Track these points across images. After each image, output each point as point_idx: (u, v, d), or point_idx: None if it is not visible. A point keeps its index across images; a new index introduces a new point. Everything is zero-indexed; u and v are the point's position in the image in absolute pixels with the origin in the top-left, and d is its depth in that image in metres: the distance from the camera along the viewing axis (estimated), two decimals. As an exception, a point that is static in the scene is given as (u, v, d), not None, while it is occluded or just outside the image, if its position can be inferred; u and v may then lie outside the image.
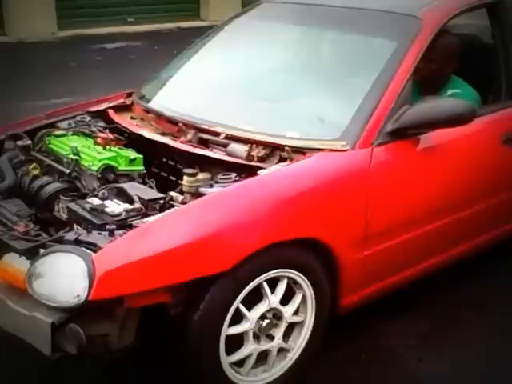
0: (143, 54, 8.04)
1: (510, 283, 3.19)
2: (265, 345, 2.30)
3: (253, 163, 2.42)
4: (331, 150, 2.41)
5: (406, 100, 2.52)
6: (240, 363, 2.29)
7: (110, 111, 3.02)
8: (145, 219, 2.14)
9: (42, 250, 2.08)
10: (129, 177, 2.50)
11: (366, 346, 2.68)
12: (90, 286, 1.90)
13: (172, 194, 2.33)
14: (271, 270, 2.21)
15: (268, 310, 2.27)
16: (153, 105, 2.97)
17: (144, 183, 2.50)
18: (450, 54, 2.92)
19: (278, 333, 2.33)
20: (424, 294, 2.96)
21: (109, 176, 2.47)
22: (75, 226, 2.21)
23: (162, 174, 2.68)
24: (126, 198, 2.28)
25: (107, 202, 2.24)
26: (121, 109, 3.08)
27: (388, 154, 2.47)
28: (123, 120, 2.92)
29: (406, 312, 2.88)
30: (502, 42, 2.99)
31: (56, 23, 9.02)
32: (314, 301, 2.37)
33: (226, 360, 2.21)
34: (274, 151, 2.47)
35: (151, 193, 2.33)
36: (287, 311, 2.32)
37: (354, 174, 2.39)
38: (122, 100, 3.16)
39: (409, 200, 2.54)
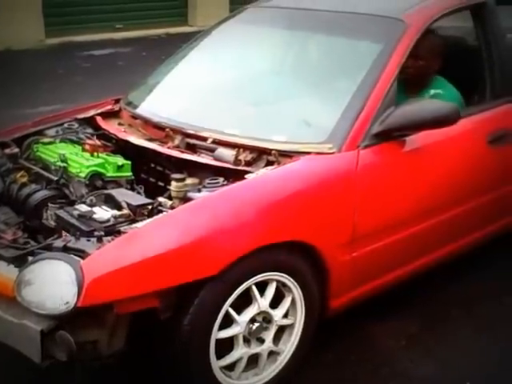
0: (131, 61, 8.04)
1: (497, 280, 3.22)
2: (255, 348, 2.31)
3: (240, 167, 2.44)
4: (318, 153, 2.42)
5: (391, 102, 2.54)
6: (231, 367, 2.29)
7: (98, 118, 3.03)
8: (133, 225, 2.15)
9: (30, 258, 2.08)
10: (117, 183, 2.51)
11: (355, 346, 2.70)
12: (79, 293, 1.90)
13: (160, 199, 2.34)
14: (260, 273, 2.22)
15: (258, 314, 2.28)
16: (140, 111, 2.98)
17: (132, 189, 2.51)
18: (433, 54, 2.95)
19: (268, 336, 2.33)
20: (412, 294, 2.97)
21: (97, 183, 2.47)
22: (63, 233, 2.20)
23: (151, 179, 2.68)
24: (114, 204, 2.28)
25: (95, 209, 2.24)
26: (108, 115, 3.09)
27: (374, 156, 2.49)
28: (111, 126, 2.93)
29: (395, 312, 2.90)
30: (485, 43, 3.01)
31: (44, 31, 8.99)
32: (303, 303, 2.38)
33: (216, 364, 2.22)
34: (261, 155, 2.48)
35: (139, 198, 2.34)
36: (277, 314, 2.33)
37: (341, 176, 2.41)
38: (109, 106, 3.16)
39: (396, 201, 2.55)
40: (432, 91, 2.98)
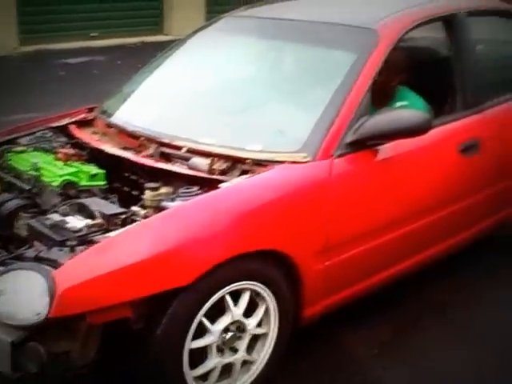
0: (106, 69, 8.01)
1: (469, 287, 3.25)
2: (229, 358, 2.30)
3: (214, 176, 2.44)
4: (292, 162, 2.44)
5: (364, 112, 2.57)
6: (204, 377, 2.28)
7: (72, 126, 3.01)
8: (106, 234, 2.14)
9: (1, 268, 2.06)
10: (90, 192, 2.49)
11: (329, 355, 2.70)
12: (51, 303, 1.89)
13: (134, 208, 2.33)
14: (233, 282, 2.22)
15: (231, 323, 2.27)
16: (114, 119, 2.97)
17: (106, 198, 2.49)
18: (394, 70, 2.94)
19: (242, 345, 2.33)
20: (383, 301, 2.98)
21: (70, 192, 2.46)
22: (35, 243, 2.19)
23: (125, 188, 2.66)
24: (87, 213, 2.27)
25: (68, 218, 2.23)
26: (82, 124, 3.07)
27: (348, 164, 2.51)
28: (85, 135, 2.91)
29: (368, 320, 2.91)
30: (456, 54, 3.06)
31: (18, 38, 8.93)
32: (276, 312, 2.38)
33: (189, 374, 2.21)
34: (236, 164, 2.49)
35: (113, 208, 2.33)
36: (250, 323, 2.32)
37: (315, 185, 2.42)
38: (83, 115, 3.15)
39: (369, 210, 2.57)
40: (398, 103, 3.01)
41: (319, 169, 2.45)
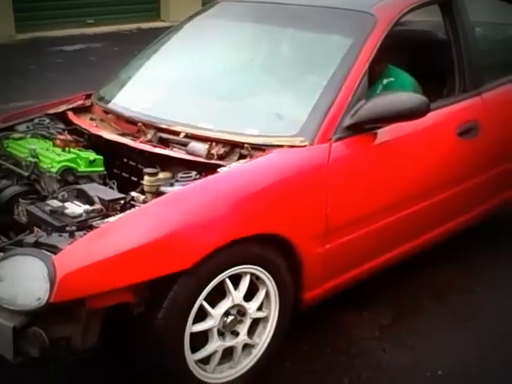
0: (104, 56, 7.98)
1: (467, 270, 3.27)
2: (230, 341, 2.32)
3: (213, 161, 2.44)
4: (290, 146, 2.44)
5: (362, 95, 2.56)
6: (206, 360, 2.29)
7: (69, 113, 3.01)
8: (105, 220, 2.14)
9: (1, 254, 2.06)
10: (89, 178, 2.50)
11: (330, 338, 2.72)
12: (51, 289, 1.89)
13: (133, 193, 2.33)
14: (233, 266, 2.22)
15: (232, 307, 2.28)
16: (112, 105, 2.97)
17: (105, 184, 2.50)
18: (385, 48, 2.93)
19: (243, 329, 2.34)
20: (384, 284, 3.00)
21: (68, 178, 2.46)
22: (35, 229, 2.19)
23: (123, 174, 2.67)
24: (86, 199, 2.27)
25: (67, 204, 2.23)
26: (80, 110, 3.07)
27: (346, 148, 2.51)
28: (83, 121, 2.91)
29: (369, 304, 2.93)
30: (454, 37, 3.04)
31: (14, 26, 8.89)
32: (277, 296, 2.39)
33: (191, 358, 2.22)
34: (234, 149, 2.49)
35: (112, 193, 2.33)
36: (251, 307, 2.34)
37: (313, 169, 2.42)
38: (81, 102, 3.14)
39: (368, 193, 2.58)
40: (385, 80, 3.02)
41: (317, 153, 2.45)
